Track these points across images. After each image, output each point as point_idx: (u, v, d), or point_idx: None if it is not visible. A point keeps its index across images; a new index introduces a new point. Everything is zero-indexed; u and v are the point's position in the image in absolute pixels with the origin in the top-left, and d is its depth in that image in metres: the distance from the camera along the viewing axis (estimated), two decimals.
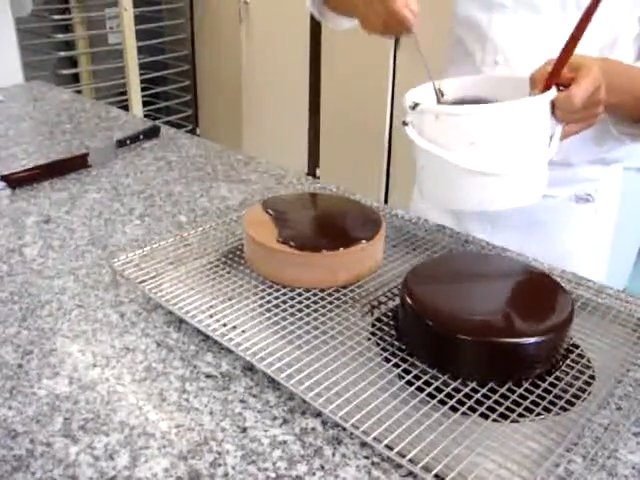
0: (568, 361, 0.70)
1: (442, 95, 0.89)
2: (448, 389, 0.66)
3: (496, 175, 0.77)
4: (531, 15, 0.98)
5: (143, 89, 3.01)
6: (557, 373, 0.69)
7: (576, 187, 1.08)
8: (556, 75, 0.78)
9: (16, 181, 1.16)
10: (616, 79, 0.83)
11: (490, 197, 0.79)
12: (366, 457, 0.61)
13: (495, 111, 0.76)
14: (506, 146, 0.77)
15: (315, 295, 0.80)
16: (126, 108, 2.84)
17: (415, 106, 0.79)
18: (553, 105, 0.78)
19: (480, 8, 1.03)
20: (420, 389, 0.66)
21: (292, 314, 0.77)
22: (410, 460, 0.57)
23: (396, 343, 0.73)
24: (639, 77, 0.89)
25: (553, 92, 0.77)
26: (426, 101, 0.84)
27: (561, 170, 1.01)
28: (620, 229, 2.34)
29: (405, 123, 0.80)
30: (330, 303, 0.79)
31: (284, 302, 0.79)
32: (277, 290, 0.81)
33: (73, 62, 3.16)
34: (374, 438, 0.60)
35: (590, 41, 0.85)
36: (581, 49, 0.78)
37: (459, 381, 0.67)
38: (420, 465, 0.57)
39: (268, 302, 0.79)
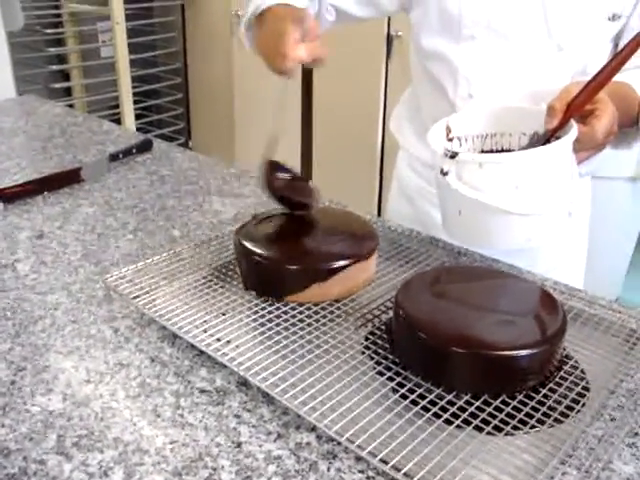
0: (562, 372, 0.71)
1: (450, 131, 0.90)
2: (442, 402, 0.66)
3: (539, 214, 0.81)
4: (501, 44, 0.97)
5: (135, 102, 3.01)
6: (551, 385, 0.69)
7: None
8: (579, 109, 0.79)
9: (8, 196, 1.15)
10: (620, 102, 0.84)
11: (532, 235, 0.83)
12: (361, 471, 0.61)
13: (536, 155, 0.80)
14: (545, 186, 0.80)
15: (309, 309, 0.81)
16: (118, 121, 2.84)
17: (454, 155, 0.81)
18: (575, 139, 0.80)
19: (448, 41, 1.01)
20: (414, 402, 0.66)
21: (286, 328, 0.77)
22: (405, 474, 0.57)
23: (390, 356, 0.73)
24: (626, 95, 0.90)
25: (576, 129, 0.79)
26: (463, 150, 0.89)
27: None
28: (611, 239, 2.35)
29: (444, 173, 0.82)
30: (324, 317, 0.80)
31: (278, 317, 0.79)
32: (271, 304, 0.81)
33: (65, 76, 3.16)
34: (369, 452, 0.60)
35: (561, 70, 0.86)
36: (556, 77, 0.78)
37: (453, 394, 0.67)
38: (415, 479, 0.57)
39: (262, 317, 0.79)
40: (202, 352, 0.75)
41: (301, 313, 0.80)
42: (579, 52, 0.94)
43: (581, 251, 1.19)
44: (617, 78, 0.82)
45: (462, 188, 0.81)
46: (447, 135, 0.90)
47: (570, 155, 0.81)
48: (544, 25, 0.94)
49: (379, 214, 2.72)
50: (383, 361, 0.72)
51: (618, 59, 0.78)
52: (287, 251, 0.86)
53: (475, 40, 0.98)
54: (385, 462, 0.59)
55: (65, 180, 1.23)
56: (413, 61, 1.14)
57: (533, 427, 0.64)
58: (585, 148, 0.81)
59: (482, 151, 0.92)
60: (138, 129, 2.98)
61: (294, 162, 3.12)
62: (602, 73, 0.79)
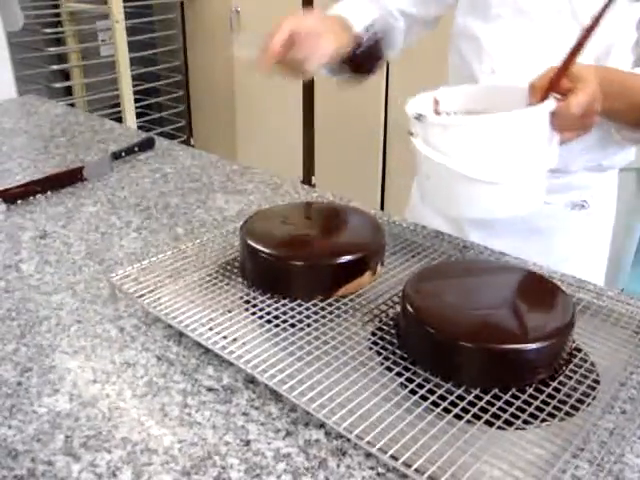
0: (571, 365, 0.70)
1: (437, 104, 0.89)
2: (452, 397, 0.65)
3: (500, 184, 0.79)
4: (526, 24, 0.99)
5: (136, 100, 3.01)
6: (561, 378, 0.68)
7: (571, 194, 1.08)
8: (555, 85, 0.79)
9: (11, 196, 1.15)
10: (611, 87, 0.84)
11: (493, 206, 0.81)
12: (371, 468, 0.60)
13: (499, 121, 0.78)
14: (509, 155, 0.79)
15: (315, 305, 0.80)
16: (120, 120, 2.84)
17: (420, 117, 0.80)
18: (552, 114, 0.78)
19: (476, 18, 1.04)
20: (424, 397, 0.65)
21: (292, 325, 0.77)
22: (416, 470, 0.57)
23: (398, 352, 0.73)
24: (633, 84, 0.89)
25: (552, 102, 0.78)
26: (428, 112, 0.86)
27: (558, 177, 1.02)
28: (616, 230, 2.34)
29: (411, 134, 0.81)
30: (330, 313, 0.79)
31: (284, 313, 0.79)
32: (277, 301, 0.81)
33: (66, 75, 3.16)
34: (379, 449, 0.59)
35: (586, 50, 0.86)
36: (578, 58, 0.78)
37: (462, 388, 0.66)
38: (426, 475, 0.56)
39: (268, 313, 0.79)
40: (208, 350, 0.74)
41: (307, 309, 0.79)
42: (602, 34, 0.94)
43: (601, 245, 1.17)
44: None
45: (426, 150, 0.80)
46: (435, 108, 0.89)
47: (542, 129, 0.79)
48: (568, 6, 0.95)
49: (382, 208, 2.72)
50: (391, 356, 0.72)
51: (584, 32, 0.78)
52: (293, 247, 0.86)
53: (501, 19, 1.00)
54: (395, 458, 0.58)
55: (68, 179, 1.23)
56: (451, 35, 1.15)
57: (544, 421, 0.63)
58: (563, 124, 0.80)
59: None
60: (139, 127, 2.97)
61: (296, 158, 3.11)
62: (573, 46, 0.79)
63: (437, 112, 0.89)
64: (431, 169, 0.82)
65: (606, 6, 0.77)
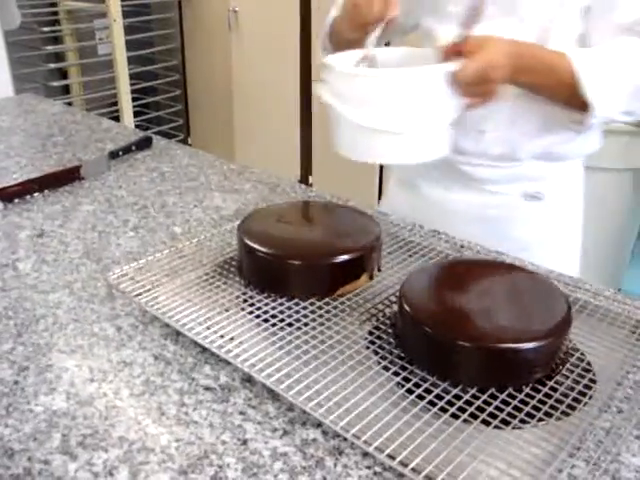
0: (568, 365, 0.70)
1: (372, 60, 0.94)
2: (449, 396, 0.65)
3: (398, 134, 0.85)
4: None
5: (134, 99, 3.00)
6: (557, 377, 0.68)
7: (525, 184, 1.09)
8: (457, 50, 0.86)
9: (8, 195, 1.15)
10: (521, 60, 0.90)
11: (392, 153, 0.88)
12: (368, 467, 0.60)
13: (398, 75, 0.83)
14: (406, 107, 0.84)
15: (312, 304, 0.80)
16: (117, 119, 2.83)
17: (330, 67, 0.86)
18: (450, 76, 0.84)
19: (433, 18, 1.07)
20: (420, 397, 0.65)
21: (289, 324, 0.77)
22: (413, 469, 0.57)
23: (395, 351, 0.73)
24: (553, 62, 0.93)
25: (450, 65, 0.83)
26: (341, 62, 0.92)
27: (509, 167, 1.07)
28: (612, 230, 2.34)
29: (320, 81, 0.88)
30: (327, 312, 0.79)
31: (281, 312, 0.79)
32: (274, 300, 0.81)
33: (63, 74, 3.15)
34: (376, 448, 0.59)
35: (523, 33, 0.94)
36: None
37: (459, 388, 0.66)
38: (423, 474, 0.56)
39: (265, 312, 0.79)
40: (206, 349, 0.74)
41: (305, 309, 0.79)
42: (537, 18, 0.99)
43: (567, 239, 1.19)
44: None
45: (323, 95, 0.87)
46: (369, 65, 0.95)
47: (440, 86, 0.84)
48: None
49: None
50: (388, 356, 0.72)
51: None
52: (291, 246, 0.86)
53: (453, 16, 1.02)
54: (392, 457, 0.58)
55: (65, 178, 1.23)
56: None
57: (540, 420, 0.63)
58: (461, 87, 0.84)
59: None
60: (137, 126, 2.97)
61: (293, 158, 3.11)
62: (467, 16, 0.87)
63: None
64: (336, 117, 0.87)
65: None
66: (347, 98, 0.86)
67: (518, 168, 1.08)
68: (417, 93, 0.83)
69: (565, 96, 0.94)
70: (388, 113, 0.83)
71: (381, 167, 2.74)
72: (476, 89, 0.85)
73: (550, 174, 1.10)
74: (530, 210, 1.11)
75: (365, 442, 0.60)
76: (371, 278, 0.85)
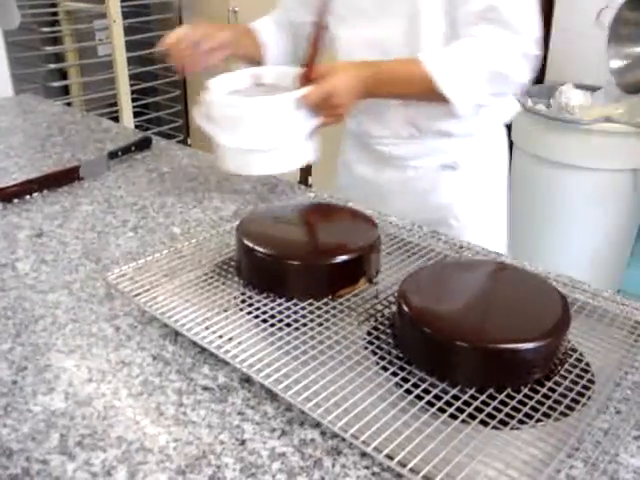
0: (567, 365, 0.70)
1: (259, 78, 1.16)
2: (447, 397, 0.65)
3: (261, 150, 1.04)
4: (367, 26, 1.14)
5: (133, 100, 3.00)
6: (556, 378, 0.68)
7: (440, 157, 1.20)
8: (307, 78, 1.02)
9: (8, 195, 1.15)
10: (386, 75, 1.05)
11: (259, 166, 1.07)
12: (366, 467, 0.60)
13: (253, 104, 1.03)
14: (264, 129, 1.02)
15: (311, 305, 0.80)
16: (117, 119, 2.83)
17: (205, 90, 1.06)
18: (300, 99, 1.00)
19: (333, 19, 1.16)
20: (419, 397, 0.65)
21: (288, 324, 0.77)
22: (411, 469, 0.57)
23: (393, 351, 0.73)
24: (408, 68, 1.05)
25: (295, 93, 0.99)
26: (216, 89, 1.10)
27: (419, 143, 1.19)
28: (612, 231, 2.34)
29: (196, 103, 1.08)
30: (326, 312, 0.79)
31: (280, 312, 0.79)
32: (272, 301, 0.81)
33: (63, 74, 3.15)
34: (374, 448, 0.59)
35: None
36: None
37: (458, 388, 0.66)
38: (421, 474, 0.56)
39: (264, 313, 0.79)
40: (204, 349, 0.74)
41: (303, 309, 0.79)
42: (408, 19, 1.10)
43: (499, 212, 1.29)
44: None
45: (198, 118, 1.08)
46: (256, 82, 1.17)
47: (289, 109, 1.00)
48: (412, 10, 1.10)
49: None
50: (387, 356, 0.72)
51: (315, 31, 1.04)
52: (290, 247, 0.86)
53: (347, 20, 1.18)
54: (390, 458, 0.58)
55: (64, 178, 1.23)
56: None
57: (539, 421, 0.63)
58: (312, 109, 1.00)
59: None
60: (136, 127, 2.96)
61: None
62: (309, 48, 1.05)
63: (259, 85, 1.16)
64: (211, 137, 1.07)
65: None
66: (218, 121, 1.05)
67: (429, 143, 1.19)
68: (272, 117, 1.02)
69: (429, 96, 1.05)
70: (253, 134, 1.02)
71: None
72: (323, 111, 1.01)
73: (462, 147, 1.20)
74: (449, 179, 1.22)
75: (363, 442, 0.60)
76: (370, 282, 0.85)
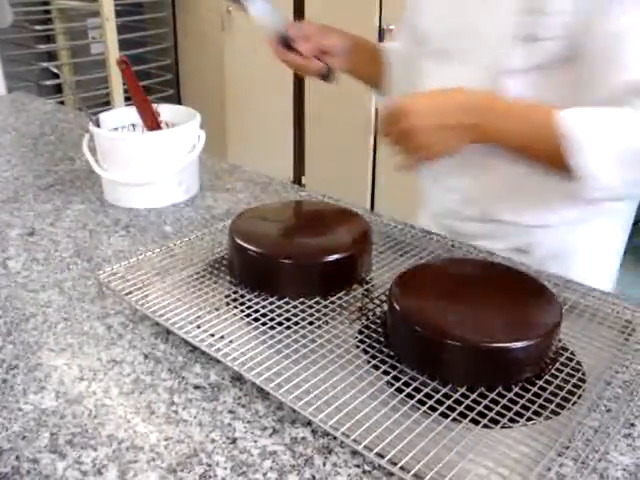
0: (558, 364, 0.70)
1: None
2: (438, 395, 0.65)
3: (140, 185, 1.12)
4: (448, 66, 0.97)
5: (126, 99, 2.99)
6: (547, 377, 0.69)
7: (511, 240, 1.02)
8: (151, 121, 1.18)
9: None
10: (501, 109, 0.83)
11: (140, 199, 1.13)
12: (357, 466, 0.60)
13: (135, 140, 1.14)
14: (146, 162, 1.11)
15: (302, 303, 0.80)
16: None
17: (96, 125, 1.15)
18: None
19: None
20: (410, 396, 0.66)
21: (280, 323, 0.77)
22: (402, 468, 0.57)
23: (385, 350, 0.73)
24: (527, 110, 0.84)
25: (180, 129, 1.14)
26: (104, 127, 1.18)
27: (488, 224, 1.01)
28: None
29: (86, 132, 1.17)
30: (318, 311, 0.79)
31: (271, 311, 0.79)
32: (264, 299, 0.81)
33: (56, 73, 3.14)
34: (365, 446, 0.59)
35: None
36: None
37: (449, 387, 0.67)
38: (412, 473, 0.57)
39: (255, 311, 0.79)
40: (196, 348, 0.74)
41: (295, 308, 0.79)
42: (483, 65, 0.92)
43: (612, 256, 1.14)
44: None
45: (86, 153, 1.15)
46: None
47: (160, 148, 1.12)
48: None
49: (372, 208, 2.72)
50: (378, 355, 0.72)
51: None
52: (281, 246, 0.86)
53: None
54: (381, 456, 0.58)
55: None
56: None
57: (529, 419, 0.64)
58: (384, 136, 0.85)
59: None
60: None
61: (286, 158, 3.11)
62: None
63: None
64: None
65: None
66: (99, 152, 1.14)
67: (498, 226, 1.01)
68: (144, 153, 1.10)
69: (548, 162, 0.83)
70: (129, 168, 1.10)
71: (373, 169, 2.74)
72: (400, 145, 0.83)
73: (538, 233, 1.00)
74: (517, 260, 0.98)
75: (354, 440, 0.60)
76: (360, 284, 0.85)
